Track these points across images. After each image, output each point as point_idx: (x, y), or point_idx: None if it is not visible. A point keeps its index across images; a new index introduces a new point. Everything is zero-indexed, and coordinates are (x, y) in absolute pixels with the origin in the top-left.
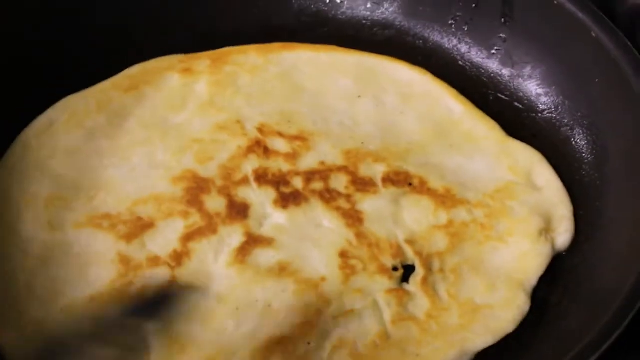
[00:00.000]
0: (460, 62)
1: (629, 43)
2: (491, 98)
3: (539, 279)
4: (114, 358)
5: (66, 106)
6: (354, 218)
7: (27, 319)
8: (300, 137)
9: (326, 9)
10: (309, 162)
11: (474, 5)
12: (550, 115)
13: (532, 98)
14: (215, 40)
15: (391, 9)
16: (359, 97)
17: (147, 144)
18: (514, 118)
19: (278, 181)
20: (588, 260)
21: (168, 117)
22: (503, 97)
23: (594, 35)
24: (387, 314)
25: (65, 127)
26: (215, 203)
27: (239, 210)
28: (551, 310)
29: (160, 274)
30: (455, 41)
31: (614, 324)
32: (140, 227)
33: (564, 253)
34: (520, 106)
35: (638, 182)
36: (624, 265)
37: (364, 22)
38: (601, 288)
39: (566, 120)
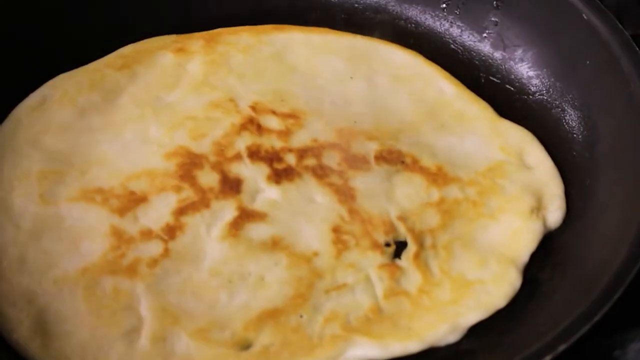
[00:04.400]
0: (452, 46)
1: (619, 24)
2: (483, 81)
3: (531, 256)
4: (106, 329)
5: (58, 84)
6: (346, 194)
7: (19, 291)
8: (293, 115)
9: None
10: (301, 139)
11: None
12: (542, 97)
13: (524, 80)
14: (208, 23)
15: None
16: (351, 78)
17: (139, 120)
18: (505, 100)
19: (271, 157)
20: (579, 237)
21: (161, 95)
22: (494, 79)
23: (584, 17)
24: (380, 289)
25: (57, 104)
26: (208, 178)
27: (231, 185)
28: (542, 287)
29: (152, 247)
30: (447, 25)
31: (603, 299)
32: (133, 201)
33: (555, 231)
34: (512, 88)
35: (627, 161)
36: (614, 241)
37: (356, 5)
38: (592, 264)
39: (557, 102)
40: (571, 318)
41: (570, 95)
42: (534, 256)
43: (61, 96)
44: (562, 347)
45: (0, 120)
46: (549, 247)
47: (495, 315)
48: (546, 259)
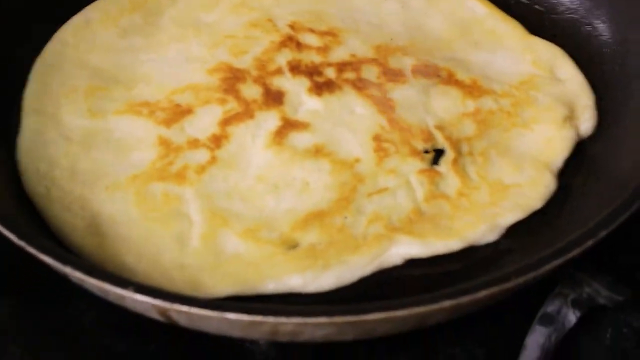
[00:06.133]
0: None
1: None
2: (513, 2)
3: (565, 164)
4: (159, 231)
5: (101, 6)
6: (385, 105)
7: (71, 197)
8: (330, 33)
9: None
10: (340, 54)
11: None
12: (571, 15)
13: (553, 0)
14: None
15: None
16: (385, 0)
17: (181, 40)
18: (535, 20)
19: (311, 71)
20: (611, 145)
21: (201, 16)
22: (524, 1)
23: None
24: (420, 192)
25: (100, 25)
26: (251, 91)
27: (274, 97)
28: (576, 191)
29: (200, 155)
30: None
31: (629, 201)
32: (179, 113)
33: (588, 141)
34: (541, 9)
35: None
36: None
37: None
38: (622, 171)
39: (586, 19)
40: (610, 208)
41: (599, 12)
42: (568, 164)
43: (104, 18)
44: (603, 233)
45: (44, 42)
46: (582, 155)
47: (531, 218)
48: (580, 167)
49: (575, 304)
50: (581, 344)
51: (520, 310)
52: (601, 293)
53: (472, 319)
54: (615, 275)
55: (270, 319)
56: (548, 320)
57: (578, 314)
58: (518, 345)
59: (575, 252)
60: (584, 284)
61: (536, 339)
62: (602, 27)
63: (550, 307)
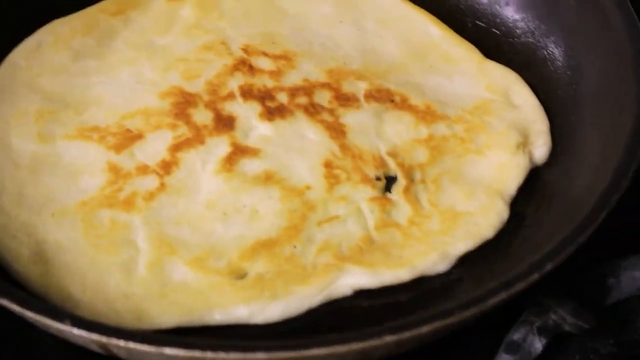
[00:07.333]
0: None
1: None
2: (469, 25)
3: (518, 192)
4: (105, 259)
5: (53, 29)
6: (337, 131)
7: (17, 224)
8: (284, 57)
9: None
10: (293, 79)
11: None
12: (527, 39)
13: (509, 24)
14: None
15: None
16: (340, 22)
17: (134, 63)
18: (491, 44)
19: (263, 96)
20: (564, 172)
21: (154, 39)
22: (481, 24)
23: None
24: (371, 220)
25: (52, 48)
26: (202, 116)
27: (225, 123)
28: (528, 220)
29: (149, 182)
30: None
31: (588, 220)
32: (129, 139)
33: (541, 168)
34: (498, 32)
35: (610, 96)
36: (598, 172)
37: None
38: (575, 197)
39: (542, 44)
40: (558, 239)
41: (554, 37)
42: (521, 193)
43: (55, 40)
44: (549, 266)
45: None
46: (536, 184)
47: (483, 247)
48: (533, 195)
49: (541, 331)
50: None
51: (486, 337)
52: (567, 320)
53: (438, 346)
54: (581, 302)
55: (209, 354)
56: (514, 348)
57: (544, 341)
58: None
59: (520, 286)
60: (550, 311)
61: None
62: (557, 52)
63: (516, 335)
